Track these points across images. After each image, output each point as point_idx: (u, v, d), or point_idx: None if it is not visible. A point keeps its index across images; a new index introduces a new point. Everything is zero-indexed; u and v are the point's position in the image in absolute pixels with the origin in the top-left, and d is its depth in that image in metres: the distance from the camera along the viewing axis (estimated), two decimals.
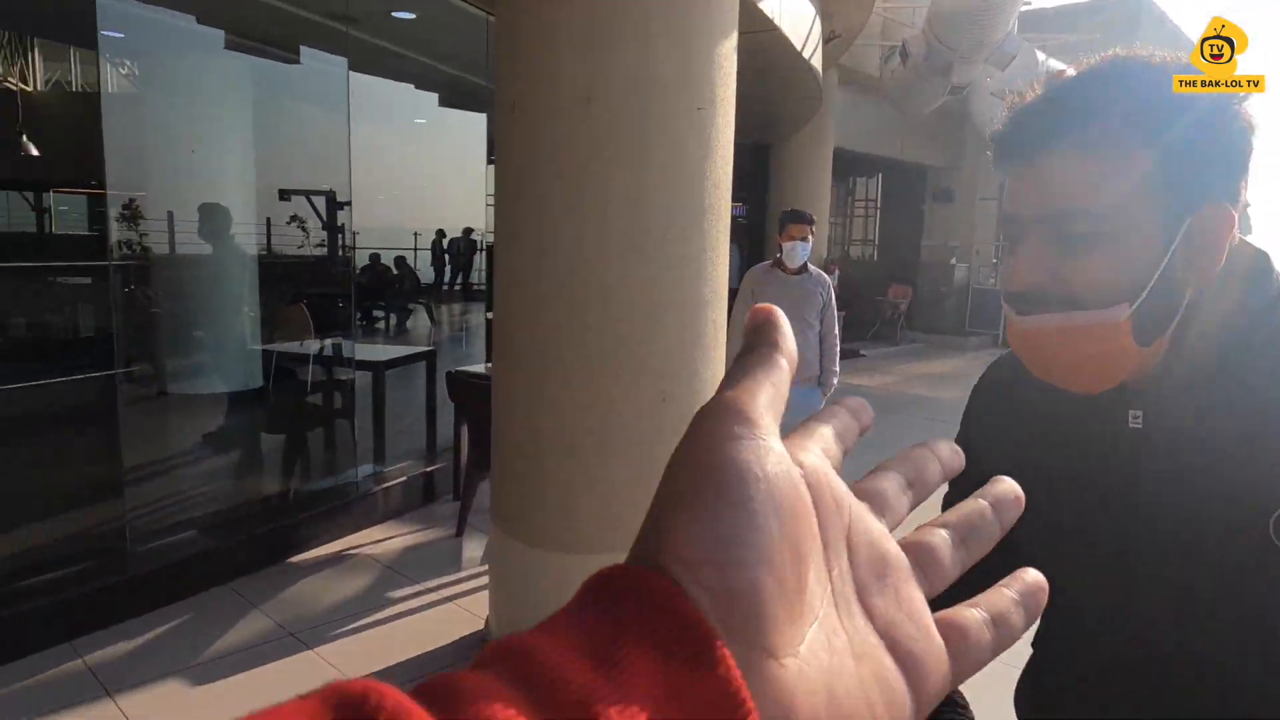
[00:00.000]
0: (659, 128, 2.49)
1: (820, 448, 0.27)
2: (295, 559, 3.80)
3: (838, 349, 4.15)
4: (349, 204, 4.93)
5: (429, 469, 4.78)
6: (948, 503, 0.74)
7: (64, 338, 4.99)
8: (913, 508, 0.30)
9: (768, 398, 0.26)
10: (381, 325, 11.74)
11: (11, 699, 2.63)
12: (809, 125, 9.50)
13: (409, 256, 13.42)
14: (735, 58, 2.71)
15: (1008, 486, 0.31)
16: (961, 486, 0.44)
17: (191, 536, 3.61)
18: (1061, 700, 0.92)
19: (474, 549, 4.03)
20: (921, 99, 10.01)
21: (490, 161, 6.48)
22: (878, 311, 13.36)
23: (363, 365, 4.79)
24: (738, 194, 3.48)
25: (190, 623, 3.18)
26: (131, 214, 4.84)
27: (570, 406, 2.59)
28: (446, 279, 13.98)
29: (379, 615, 3.31)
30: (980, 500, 0.30)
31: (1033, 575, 0.30)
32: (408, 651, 3.03)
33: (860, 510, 0.27)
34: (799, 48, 6.19)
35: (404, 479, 4.57)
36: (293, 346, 5.05)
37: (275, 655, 2.96)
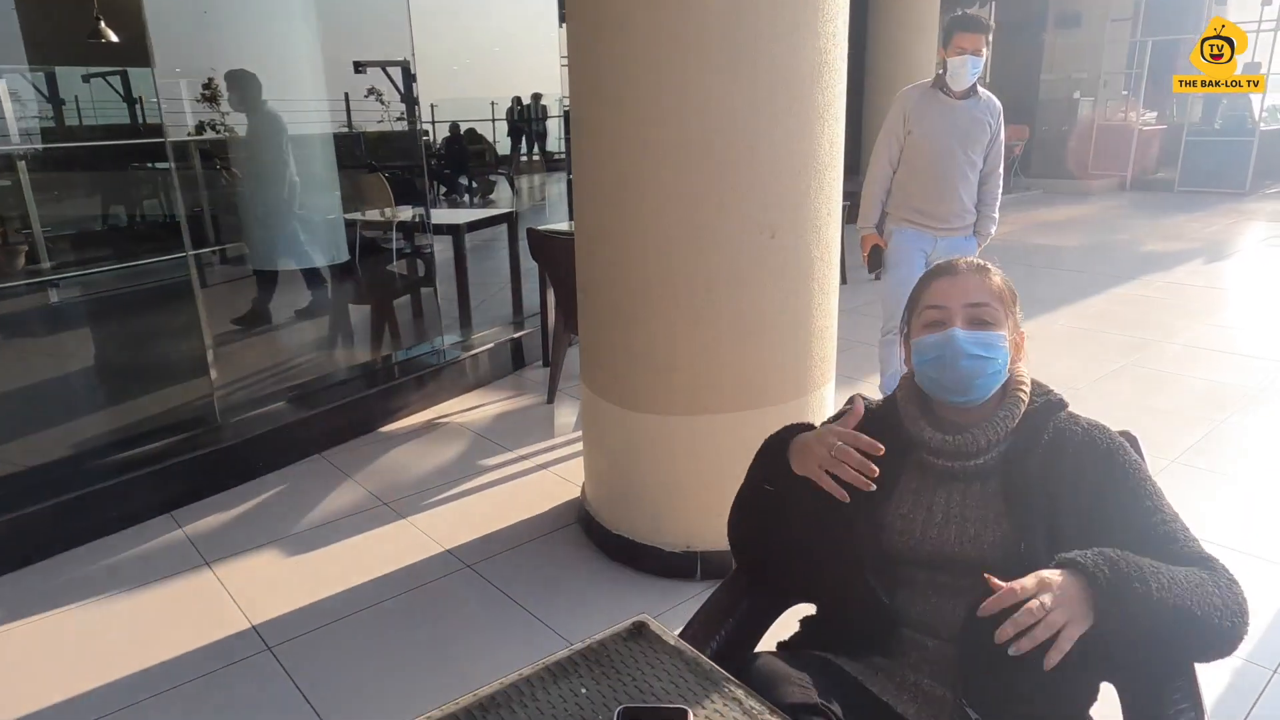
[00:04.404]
0: None
1: None
2: (385, 428, 3.71)
3: (1000, 191, 3.42)
4: (413, 73, 4.53)
5: (517, 335, 4.59)
6: None
7: (143, 223, 4.92)
8: None
9: None
10: (466, 198, 11.56)
11: (117, 569, 2.63)
12: None
13: (489, 127, 13.03)
14: None
15: None
16: None
17: (281, 408, 3.53)
18: None
19: (566, 415, 3.86)
20: None
21: (564, 23, 5.93)
22: None
23: (440, 230, 4.55)
24: None
25: (285, 493, 3.12)
26: (212, 94, 4.64)
27: (661, 245, 2.25)
28: (524, 149, 13.56)
29: (473, 483, 3.19)
30: None
31: None
32: (504, 519, 2.89)
33: None
34: None
35: (491, 346, 4.39)
36: (373, 216, 4.85)
37: (369, 524, 2.87)
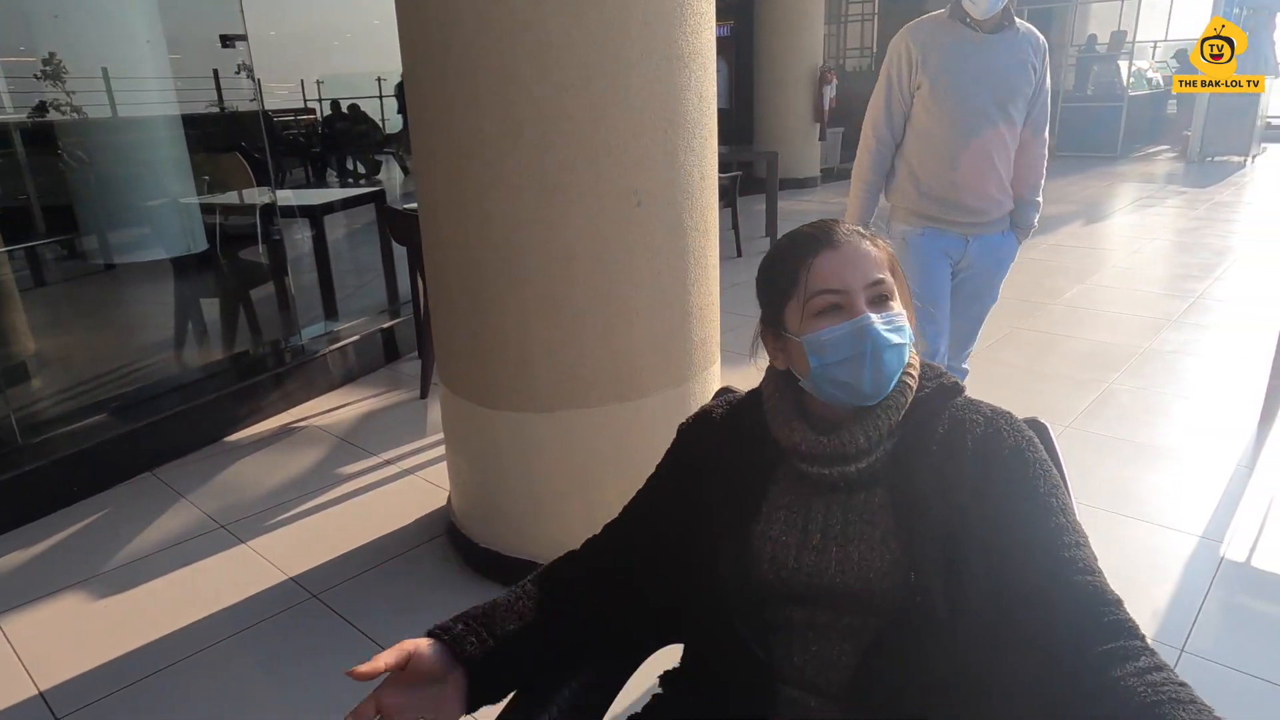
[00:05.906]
0: None
1: None
2: (232, 437, 3.29)
3: (1045, 165, 2.46)
4: (245, 38, 4.04)
5: (389, 324, 4.20)
6: None
7: None
8: None
9: None
10: (350, 180, 10.91)
11: None
12: None
13: (377, 102, 12.30)
14: None
15: None
16: None
17: (102, 421, 3.07)
18: None
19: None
20: None
21: None
22: None
23: (288, 212, 4.10)
24: (721, 10, 2.50)
25: (102, 521, 2.69)
26: (54, 71, 4.10)
27: (507, 215, 1.96)
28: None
29: (329, 495, 2.83)
30: None
31: None
32: (362, 536, 2.56)
33: None
34: None
35: (358, 338, 4.00)
36: (225, 200, 4.34)
37: (200, 553, 2.48)
